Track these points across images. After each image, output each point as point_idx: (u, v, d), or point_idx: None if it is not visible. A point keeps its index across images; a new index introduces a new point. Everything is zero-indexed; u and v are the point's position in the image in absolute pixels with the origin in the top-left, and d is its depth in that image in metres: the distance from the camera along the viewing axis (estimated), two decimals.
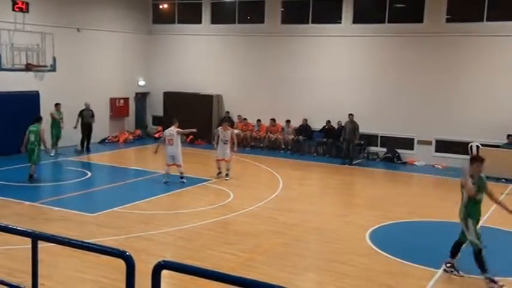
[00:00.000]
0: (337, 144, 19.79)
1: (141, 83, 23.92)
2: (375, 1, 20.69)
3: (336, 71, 20.57)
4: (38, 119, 14.75)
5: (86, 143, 19.78)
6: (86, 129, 19.77)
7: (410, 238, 10.87)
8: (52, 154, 17.89)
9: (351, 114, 18.98)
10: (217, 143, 15.83)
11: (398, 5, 20.13)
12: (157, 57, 23.99)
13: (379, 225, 11.44)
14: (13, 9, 15.88)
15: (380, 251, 9.76)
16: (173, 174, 14.85)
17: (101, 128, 21.68)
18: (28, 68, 16.25)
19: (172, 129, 14.94)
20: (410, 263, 9.15)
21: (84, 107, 19.84)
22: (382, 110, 19.72)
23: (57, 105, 18.55)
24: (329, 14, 21.11)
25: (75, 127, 19.42)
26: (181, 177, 14.79)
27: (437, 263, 8.95)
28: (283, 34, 21.39)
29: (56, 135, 18.67)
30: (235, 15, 22.60)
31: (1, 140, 17.32)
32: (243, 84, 22.36)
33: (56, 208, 11.89)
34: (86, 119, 19.71)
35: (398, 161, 19.43)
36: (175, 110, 22.84)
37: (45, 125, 17.78)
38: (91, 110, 19.98)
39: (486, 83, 18.23)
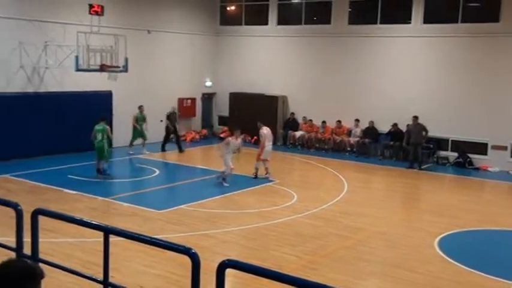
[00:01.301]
0: (404, 148, 19.28)
1: (208, 83, 24.34)
2: (447, 0, 20.02)
3: (405, 73, 20.06)
4: (103, 118, 15.37)
5: (178, 144, 20.07)
6: (172, 131, 20.13)
7: (481, 247, 10.44)
8: (131, 152, 18.84)
9: (415, 117, 18.42)
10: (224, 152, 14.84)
11: (472, 4, 19.36)
12: (223, 59, 24.35)
13: (448, 233, 11.06)
14: (89, 13, 16.60)
15: (448, 259, 9.44)
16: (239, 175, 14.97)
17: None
18: (102, 68, 16.92)
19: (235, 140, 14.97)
20: (481, 273, 8.77)
21: (171, 110, 20.43)
22: (454, 113, 19.01)
23: (140, 107, 19.33)
24: (398, 14, 20.63)
25: (170, 129, 19.97)
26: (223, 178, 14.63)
27: (511, 275, 8.55)
28: (350, 35, 21.11)
29: (140, 136, 19.35)
30: (301, 16, 22.56)
31: (76, 137, 18.13)
32: (309, 86, 22.26)
33: (126, 204, 12.34)
34: (172, 122, 20.12)
35: (470, 167, 18.66)
36: (240, 111, 23.16)
37: (127, 125, 18.77)
38: (175, 113, 20.62)
39: None
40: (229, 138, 15.23)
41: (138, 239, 4.55)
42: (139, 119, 19.22)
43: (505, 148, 18.39)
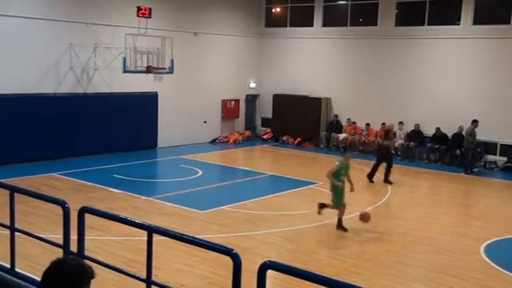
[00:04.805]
0: (451, 152, 18.80)
1: (252, 85, 24.44)
2: (498, 0, 19.41)
3: (452, 75, 19.55)
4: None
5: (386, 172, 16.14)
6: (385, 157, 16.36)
7: None
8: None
9: (476, 120, 17.84)
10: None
11: None
12: (268, 60, 24.38)
13: (495, 239, 10.72)
14: (137, 15, 16.95)
15: (496, 267, 9.14)
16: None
17: (213, 128, 22.50)
18: (148, 70, 17.23)
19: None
20: None
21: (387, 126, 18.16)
22: (502, 116, 18.41)
23: (345, 152, 14.23)
24: (447, 15, 20.14)
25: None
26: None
27: None
28: (396, 36, 20.75)
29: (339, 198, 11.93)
30: (347, 18, 22.34)
31: (123, 138, 18.56)
32: (353, 88, 22.02)
33: (169, 203, 12.52)
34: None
35: None
36: (284, 112, 23.15)
37: (171, 126, 18.88)
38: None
39: None
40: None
41: (181, 239, 4.61)
42: (343, 169, 11.30)
43: None
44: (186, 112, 20.97)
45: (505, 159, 18.55)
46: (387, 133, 16.85)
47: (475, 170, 18.02)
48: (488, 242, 10.45)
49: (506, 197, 15.46)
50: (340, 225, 10.92)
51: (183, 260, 8.69)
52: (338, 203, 10.95)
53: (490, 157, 18.87)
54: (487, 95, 18.82)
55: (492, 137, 18.60)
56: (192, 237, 4.67)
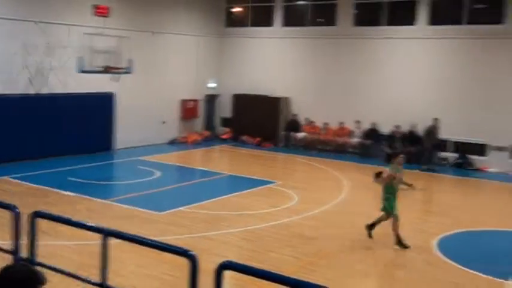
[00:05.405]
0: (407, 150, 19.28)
1: (211, 85, 24.37)
2: (452, 1, 20.01)
3: (407, 74, 20.05)
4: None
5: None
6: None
7: (479, 247, 10.44)
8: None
9: (435, 119, 18.59)
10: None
11: (477, 6, 19.37)
12: (228, 60, 24.35)
13: (447, 233, 11.08)
14: (94, 14, 16.60)
15: (447, 260, 9.44)
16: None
17: (171, 128, 22.33)
18: (106, 70, 16.95)
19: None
20: (478, 273, 8.81)
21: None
22: (454, 114, 18.99)
23: (396, 154, 11.22)
24: (403, 15, 20.60)
25: None
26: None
27: (507, 274, 8.57)
28: (355, 36, 21.10)
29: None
30: (307, 18, 22.58)
31: (78, 139, 18.16)
32: (312, 87, 22.26)
33: (126, 206, 12.35)
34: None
35: (469, 168, 18.69)
36: (244, 112, 23.20)
37: (129, 127, 18.47)
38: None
39: None
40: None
41: (136, 241, 4.57)
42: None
43: (504, 149, 18.41)
44: (144, 112, 20.72)
45: (456, 155, 19.17)
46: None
47: (434, 167, 18.45)
48: (440, 236, 10.79)
49: (456, 193, 15.98)
50: (399, 242, 9.78)
51: (139, 263, 8.60)
52: (391, 211, 9.93)
53: (443, 154, 19.45)
54: (441, 94, 19.39)
55: (444, 134, 19.15)
56: (147, 239, 4.63)
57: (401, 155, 10.70)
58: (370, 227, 10.34)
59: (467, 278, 8.72)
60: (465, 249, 9.86)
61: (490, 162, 18.61)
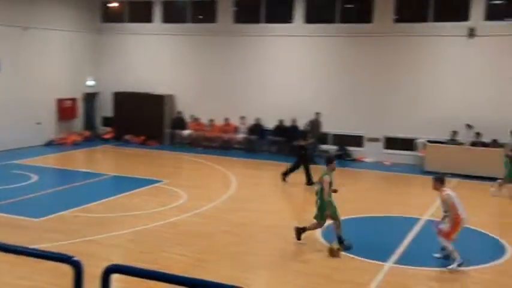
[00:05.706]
0: (291, 144, 19.86)
1: (90, 83, 23.34)
2: (325, 1, 20.96)
3: (288, 71, 20.71)
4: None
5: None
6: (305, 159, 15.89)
7: (361, 233, 11.04)
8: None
9: (318, 113, 19.36)
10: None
11: (348, 6, 20.52)
12: (107, 57, 23.48)
13: (331, 222, 11.55)
14: None
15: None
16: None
17: (47, 129, 21.05)
18: None
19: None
20: (360, 258, 9.36)
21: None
22: (334, 108, 19.97)
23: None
24: (282, 13, 21.19)
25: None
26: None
27: (384, 256, 9.20)
28: (235, 33, 21.35)
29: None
30: (187, 14, 22.40)
31: None
32: (196, 84, 22.18)
33: None
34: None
35: (348, 158, 19.77)
36: (126, 111, 22.50)
37: None
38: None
39: (430, 82, 18.80)
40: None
41: (10, 251, 4.21)
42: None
43: (378, 140, 19.75)
44: (16, 113, 19.33)
45: (336, 147, 20.17)
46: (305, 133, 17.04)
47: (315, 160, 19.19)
48: (325, 225, 11.22)
49: (337, 183, 16.75)
50: (340, 241, 9.77)
51: (15, 273, 7.97)
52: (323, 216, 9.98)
53: (324, 146, 20.35)
54: (320, 90, 20.27)
55: (324, 128, 20.04)
56: (24, 247, 4.28)
57: (335, 161, 10.76)
58: (300, 230, 10.19)
59: (350, 263, 9.19)
60: (346, 235, 10.33)
61: (366, 153, 19.85)
